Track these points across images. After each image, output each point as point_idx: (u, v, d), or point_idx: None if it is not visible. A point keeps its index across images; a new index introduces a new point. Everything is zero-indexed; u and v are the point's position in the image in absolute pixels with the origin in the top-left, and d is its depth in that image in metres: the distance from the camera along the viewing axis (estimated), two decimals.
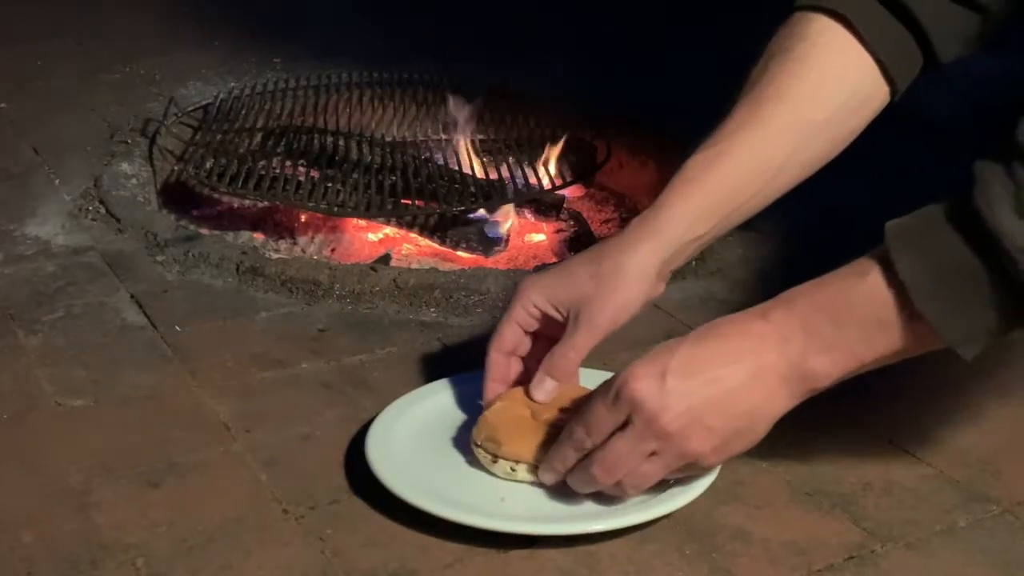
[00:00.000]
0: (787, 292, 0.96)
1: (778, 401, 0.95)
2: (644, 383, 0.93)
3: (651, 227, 1.05)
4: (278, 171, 1.75)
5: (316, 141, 1.84)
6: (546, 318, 1.07)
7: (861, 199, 1.67)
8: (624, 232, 1.06)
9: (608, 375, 1.18)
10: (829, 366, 0.93)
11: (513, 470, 1.03)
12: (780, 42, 1.10)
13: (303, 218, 1.74)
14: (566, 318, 1.05)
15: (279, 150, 1.82)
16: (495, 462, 1.03)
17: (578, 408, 1.05)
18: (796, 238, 1.58)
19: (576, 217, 1.79)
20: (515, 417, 1.04)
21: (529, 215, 1.77)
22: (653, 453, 0.95)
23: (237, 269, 1.46)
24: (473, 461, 1.06)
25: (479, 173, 1.74)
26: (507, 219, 1.72)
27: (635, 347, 1.29)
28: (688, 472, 0.99)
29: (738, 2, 2.52)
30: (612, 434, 0.95)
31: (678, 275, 1.46)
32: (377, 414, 1.12)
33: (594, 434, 0.96)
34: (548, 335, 1.08)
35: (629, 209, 1.87)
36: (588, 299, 1.04)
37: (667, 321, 1.37)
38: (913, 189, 1.51)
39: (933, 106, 1.91)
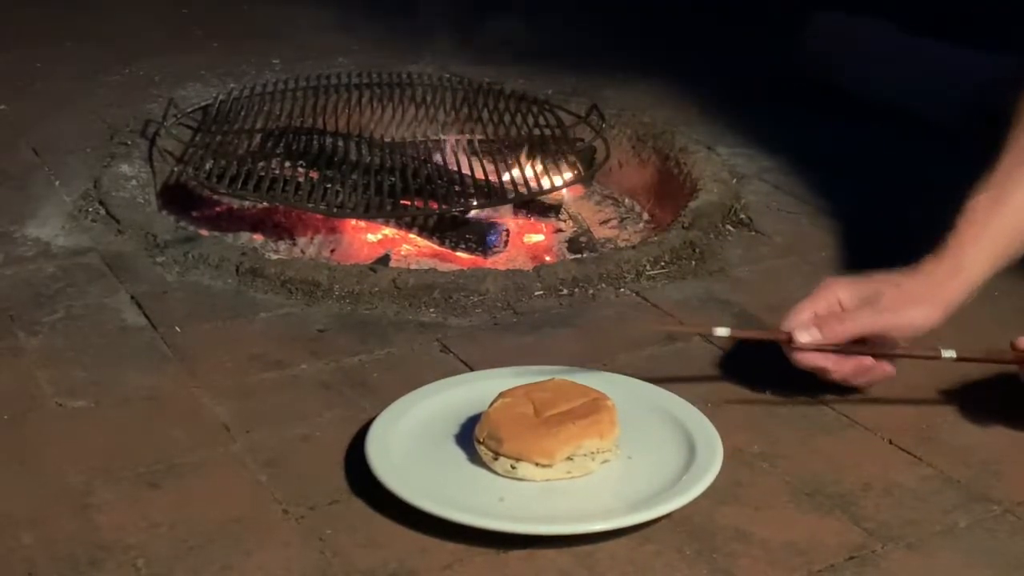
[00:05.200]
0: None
1: None
2: None
3: (953, 265, 1.16)
4: (277, 172, 1.75)
5: (315, 142, 1.84)
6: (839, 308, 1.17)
7: (860, 199, 1.68)
8: (924, 265, 1.17)
9: (609, 376, 1.18)
10: None
11: (513, 467, 1.03)
12: None
13: (302, 219, 1.74)
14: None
15: (278, 151, 1.82)
16: (496, 459, 1.03)
17: (579, 407, 1.05)
18: (796, 238, 1.58)
19: (575, 218, 1.79)
20: (517, 415, 1.05)
21: (528, 216, 1.77)
22: None
23: (236, 270, 1.46)
24: (474, 460, 1.06)
25: (478, 174, 1.74)
26: (506, 220, 1.72)
27: (634, 348, 1.30)
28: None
29: (738, 4, 2.53)
30: None
31: (678, 275, 1.47)
32: (376, 414, 1.12)
33: None
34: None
35: (628, 209, 1.87)
36: (885, 298, 1.15)
37: (667, 321, 1.37)
38: (913, 190, 1.52)
39: (933, 107, 1.92)
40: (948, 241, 1.17)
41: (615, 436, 1.05)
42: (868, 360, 1.16)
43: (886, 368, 1.18)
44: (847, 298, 1.16)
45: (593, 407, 1.06)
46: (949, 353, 1.14)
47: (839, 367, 1.15)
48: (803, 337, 1.14)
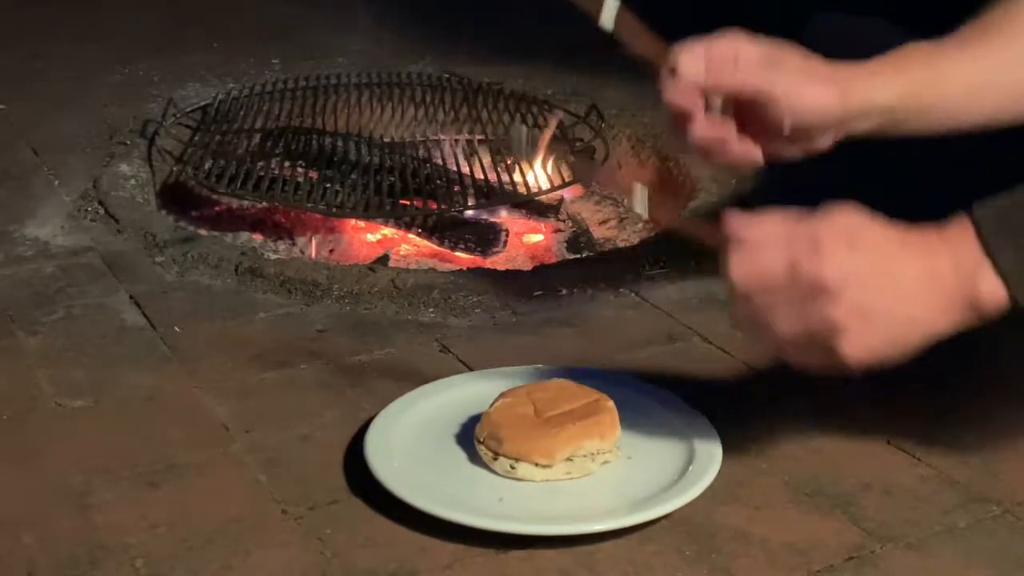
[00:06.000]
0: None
1: (938, 316, 0.92)
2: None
3: (867, 70, 1.07)
4: (277, 172, 1.75)
5: (314, 142, 1.84)
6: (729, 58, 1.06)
7: (861, 198, 1.68)
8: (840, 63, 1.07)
9: (609, 376, 1.18)
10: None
11: (513, 467, 1.03)
12: None
13: (302, 219, 1.74)
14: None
15: (278, 151, 1.82)
16: (496, 459, 1.03)
17: (580, 407, 1.05)
18: None
19: (574, 218, 1.79)
20: (518, 415, 1.05)
21: (528, 216, 1.77)
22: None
23: (236, 270, 1.46)
24: (474, 460, 1.06)
25: (477, 174, 1.74)
26: (506, 220, 1.72)
27: (634, 348, 1.30)
28: (815, 354, 0.93)
29: (738, 4, 2.52)
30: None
31: (678, 276, 1.47)
32: (376, 414, 1.12)
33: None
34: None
35: (628, 209, 1.87)
36: (787, 63, 1.06)
37: (667, 321, 1.37)
38: (913, 189, 1.52)
39: None
40: (869, 62, 1.08)
41: (616, 437, 1.05)
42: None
43: (752, 151, 1.11)
44: (746, 52, 1.08)
45: (594, 408, 1.06)
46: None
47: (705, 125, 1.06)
48: (687, 67, 1.05)
